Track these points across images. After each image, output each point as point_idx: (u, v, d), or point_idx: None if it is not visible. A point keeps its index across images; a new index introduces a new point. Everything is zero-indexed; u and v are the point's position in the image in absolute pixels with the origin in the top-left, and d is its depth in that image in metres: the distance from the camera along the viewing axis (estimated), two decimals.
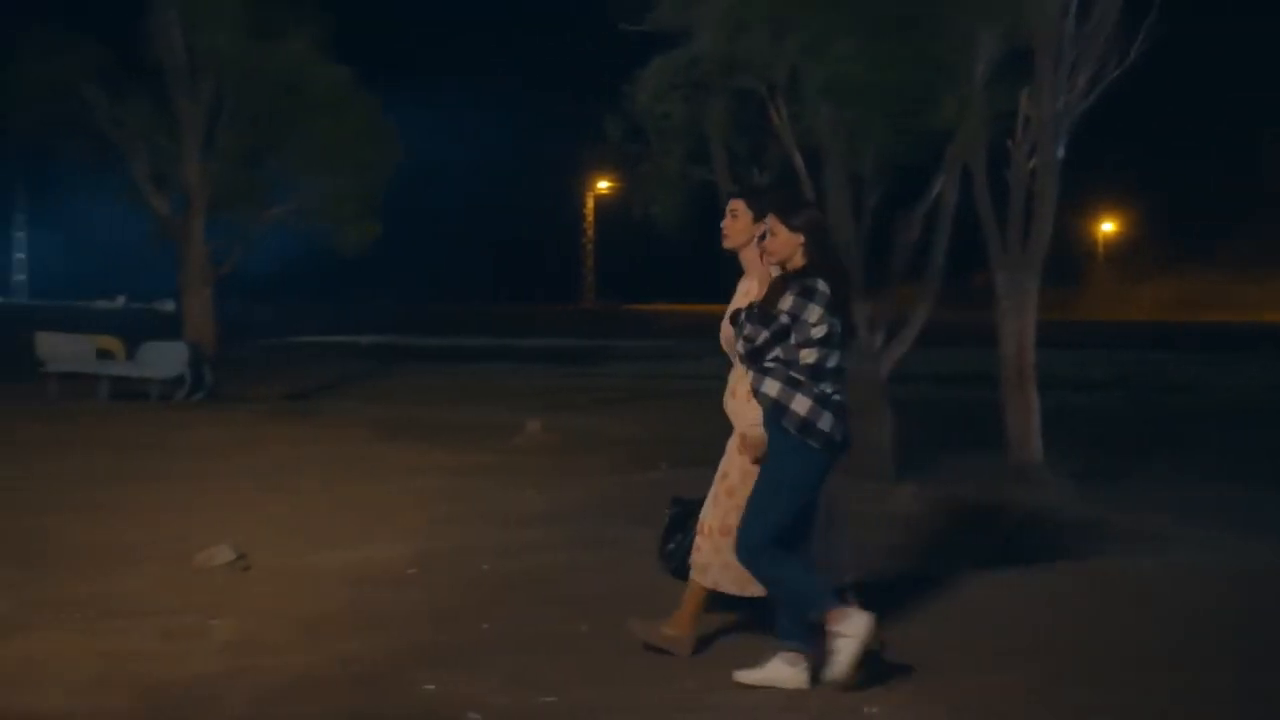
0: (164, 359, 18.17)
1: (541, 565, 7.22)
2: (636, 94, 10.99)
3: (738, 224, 5.44)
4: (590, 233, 67.53)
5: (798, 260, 5.12)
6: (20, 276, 72.85)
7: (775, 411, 5.00)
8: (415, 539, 7.94)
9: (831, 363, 5.07)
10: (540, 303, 58.71)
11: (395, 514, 8.93)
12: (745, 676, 5.05)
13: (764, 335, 4.99)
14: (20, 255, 73.48)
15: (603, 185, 63.24)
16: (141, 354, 18.58)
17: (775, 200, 5.45)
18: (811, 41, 9.96)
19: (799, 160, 10.88)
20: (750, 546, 5.04)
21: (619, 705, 4.87)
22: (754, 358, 5.04)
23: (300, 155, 20.17)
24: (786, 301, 5.00)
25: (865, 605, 5.09)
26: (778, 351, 5.00)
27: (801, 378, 4.98)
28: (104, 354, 19.18)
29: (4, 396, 17.50)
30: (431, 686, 5.01)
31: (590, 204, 66.57)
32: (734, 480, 5.34)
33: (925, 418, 13.91)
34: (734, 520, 5.19)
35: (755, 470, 5.15)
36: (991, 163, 10.56)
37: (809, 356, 5.01)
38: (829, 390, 5.04)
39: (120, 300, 59.04)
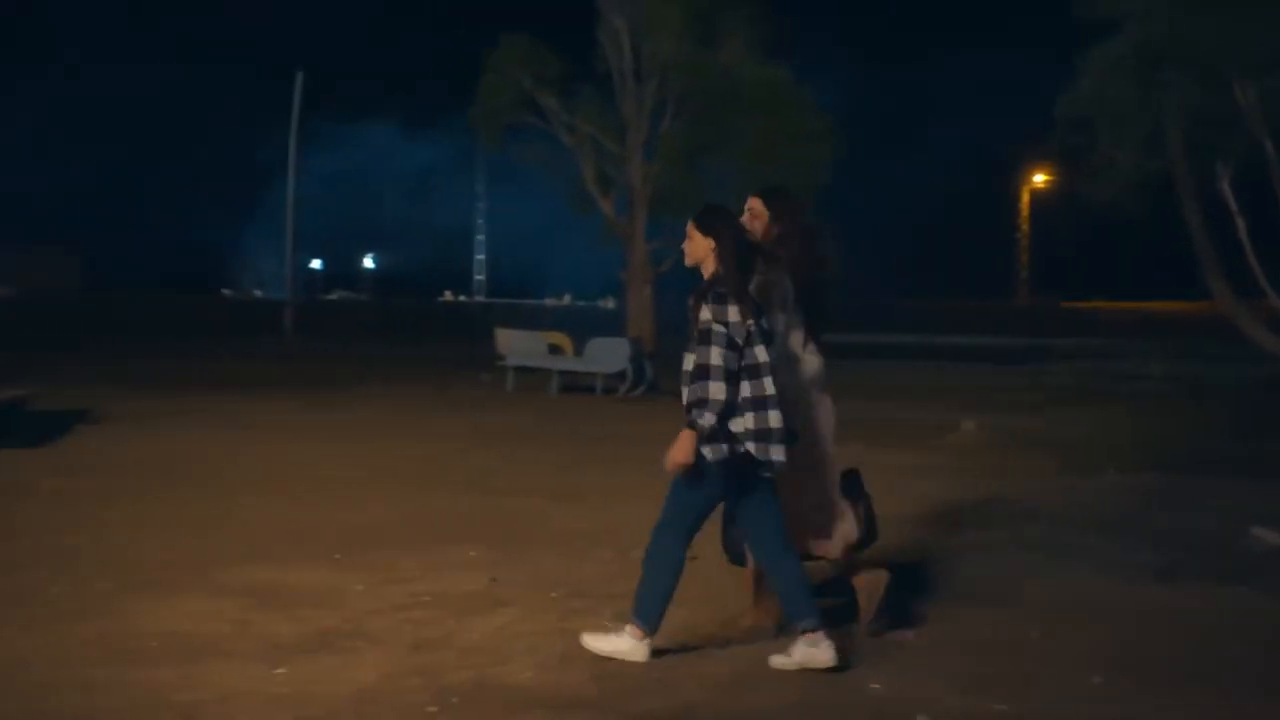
0: (609, 354, 19.05)
1: (984, 569, 7.07)
2: (1083, 82, 10.53)
3: (757, 223, 5.62)
4: (1025, 228, 65.27)
5: (710, 265, 5.21)
6: (479, 276, 78.46)
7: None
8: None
9: (765, 357, 5.13)
10: (971, 299, 57.31)
11: None
12: (779, 662, 5.19)
13: (715, 351, 5.01)
14: (480, 257, 79.10)
15: (1039, 179, 60.98)
16: (588, 350, 19.56)
17: (779, 201, 5.68)
18: None
19: (1270, 149, 10.08)
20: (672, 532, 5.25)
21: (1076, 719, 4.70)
22: (727, 376, 5.01)
23: (738, 154, 20.65)
24: (705, 313, 5.08)
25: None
26: (738, 360, 5.04)
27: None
28: (554, 349, 20.35)
29: (471, 386, 19.03)
30: (877, 686, 5.01)
31: (1025, 198, 64.34)
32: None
33: None
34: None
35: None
36: None
37: (752, 357, 5.09)
38: (773, 390, 5.09)
39: (566, 298, 62.46)
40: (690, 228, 5.31)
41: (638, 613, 5.26)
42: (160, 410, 14.63)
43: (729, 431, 5.05)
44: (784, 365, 5.43)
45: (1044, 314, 51.27)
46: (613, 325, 22.83)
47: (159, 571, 6.64)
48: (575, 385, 19.13)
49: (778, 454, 5.13)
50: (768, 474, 5.19)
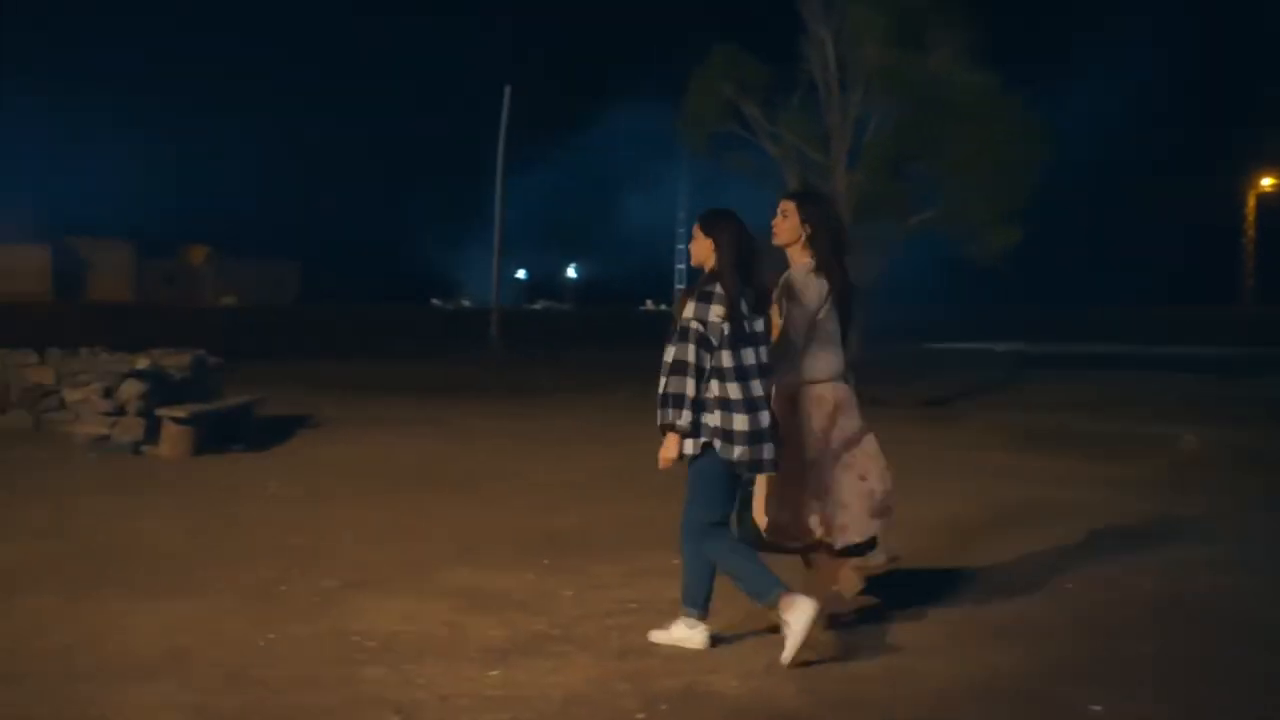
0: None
1: (1207, 587, 6.78)
2: None
3: (787, 223, 5.78)
4: (1251, 233, 62.35)
5: (710, 264, 5.42)
6: (679, 286, 78.75)
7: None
8: (1063, 551, 7.74)
9: (750, 360, 5.30)
10: (1191, 306, 54.97)
11: (1036, 523, 8.75)
12: (658, 636, 5.57)
13: (691, 349, 5.23)
14: (680, 266, 79.49)
15: (1266, 182, 58.19)
16: None
17: (813, 204, 5.88)
18: None
19: None
20: (691, 531, 5.47)
21: None
22: (698, 374, 5.24)
23: (944, 162, 20.30)
24: (689, 310, 5.30)
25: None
26: (710, 360, 5.25)
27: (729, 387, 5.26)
28: None
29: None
30: (1098, 707, 4.84)
31: (1251, 202, 61.45)
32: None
33: None
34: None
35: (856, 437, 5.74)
36: None
37: (728, 359, 5.25)
38: (757, 392, 5.30)
39: None
40: (695, 229, 5.54)
41: (756, 594, 5.41)
42: (374, 416, 15.17)
43: (722, 430, 5.29)
44: (804, 356, 5.70)
45: (1271, 323, 48.84)
46: None
47: (376, 572, 6.87)
48: None
49: (769, 453, 5.37)
50: (753, 472, 5.48)
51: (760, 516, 5.82)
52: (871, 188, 20.38)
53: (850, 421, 5.80)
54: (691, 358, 5.23)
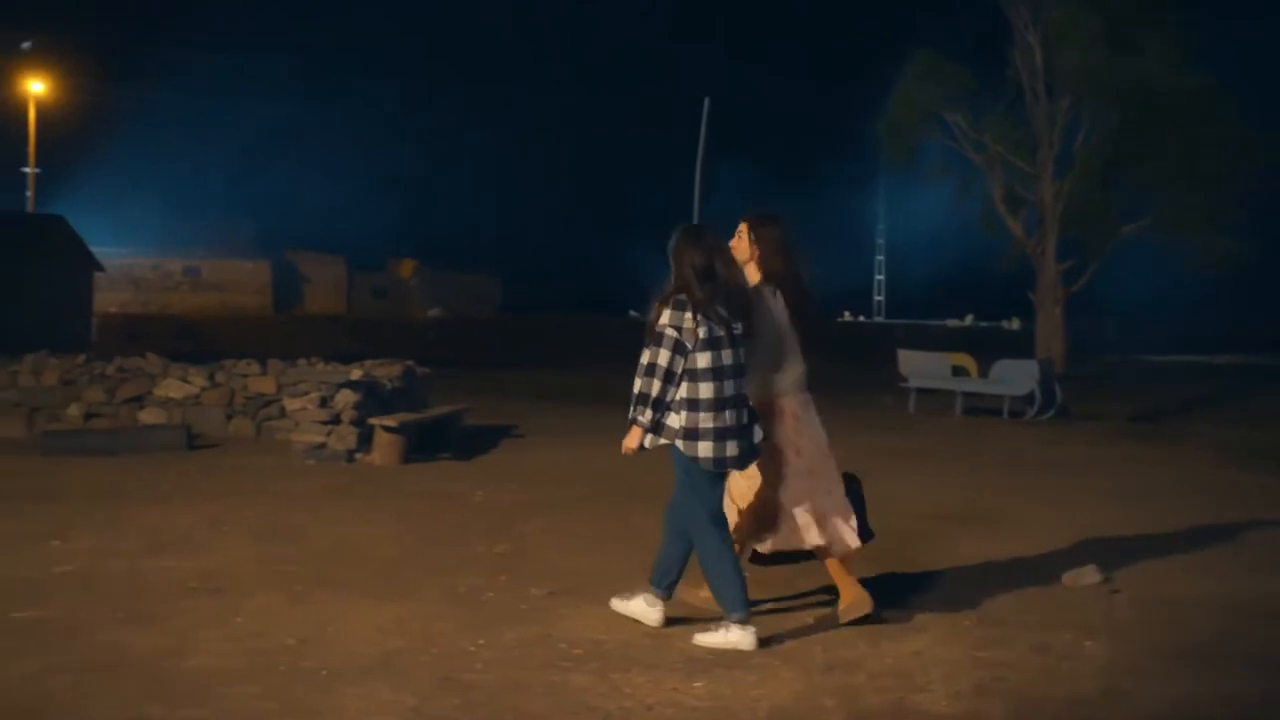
0: (1016, 376, 18.44)
1: None
2: None
3: (741, 243, 6.23)
4: None
5: (680, 277, 5.82)
6: (879, 297, 77.92)
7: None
8: None
9: (726, 361, 5.73)
10: None
11: (1248, 544, 8.35)
12: (618, 606, 6.10)
13: (663, 353, 5.66)
14: (880, 277, 78.38)
15: None
16: (994, 371, 19.02)
17: (762, 224, 6.24)
18: None
19: None
20: (675, 515, 5.93)
21: None
22: (666, 377, 5.67)
23: (1157, 169, 19.59)
24: (665, 316, 5.71)
25: None
26: (684, 363, 5.67)
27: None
28: (958, 371, 19.93)
29: (873, 408, 18.93)
30: None
31: None
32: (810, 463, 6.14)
33: None
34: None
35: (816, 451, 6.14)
36: None
37: (703, 360, 5.68)
38: (729, 391, 5.71)
39: (968, 319, 61.09)
40: (670, 245, 5.92)
41: (727, 607, 5.74)
42: (575, 425, 15.40)
43: (686, 430, 5.72)
44: (761, 369, 6.07)
45: None
46: (1017, 346, 22.10)
47: (580, 581, 6.97)
48: (980, 408, 18.66)
49: (732, 450, 5.73)
50: (719, 469, 5.79)
51: (731, 514, 6.19)
52: (1080, 196, 19.80)
53: (814, 431, 6.22)
54: (664, 361, 5.69)
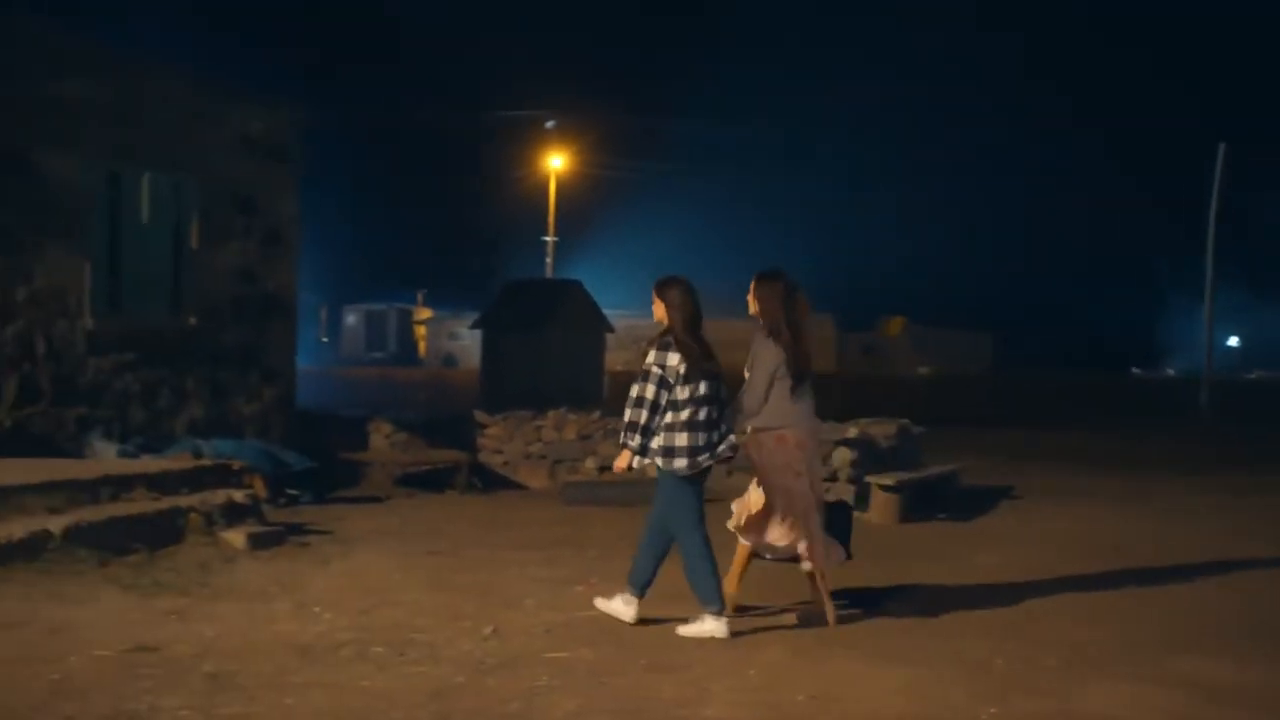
0: None
1: None
2: None
3: (750, 298, 7.19)
4: None
5: (666, 321, 6.93)
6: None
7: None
8: None
9: (702, 391, 6.81)
10: None
11: None
12: (600, 603, 7.09)
13: (650, 388, 6.75)
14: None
15: None
16: None
17: (761, 283, 7.19)
18: None
19: None
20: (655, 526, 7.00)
21: None
22: (653, 410, 6.77)
23: None
24: (651, 356, 6.80)
25: None
26: (668, 395, 6.77)
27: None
28: None
29: None
30: None
31: None
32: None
33: None
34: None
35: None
36: None
37: (683, 392, 6.76)
38: (701, 416, 6.80)
39: None
40: (653, 293, 6.92)
41: (705, 600, 6.79)
42: (1075, 487, 14.78)
43: (665, 448, 6.84)
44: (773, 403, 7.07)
45: None
46: None
47: (1093, 652, 6.67)
48: None
49: (706, 461, 6.83)
50: (702, 480, 6.93)
51: (735, 517, 7.37)
52: None
53: (814, 463, 7.25)
54: (650, 395, 6.75)
